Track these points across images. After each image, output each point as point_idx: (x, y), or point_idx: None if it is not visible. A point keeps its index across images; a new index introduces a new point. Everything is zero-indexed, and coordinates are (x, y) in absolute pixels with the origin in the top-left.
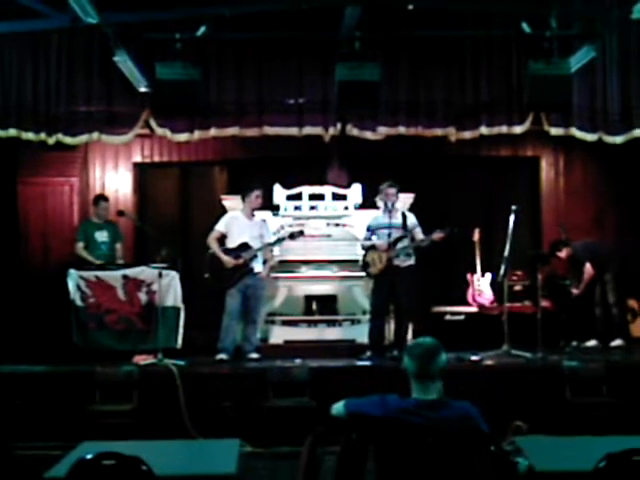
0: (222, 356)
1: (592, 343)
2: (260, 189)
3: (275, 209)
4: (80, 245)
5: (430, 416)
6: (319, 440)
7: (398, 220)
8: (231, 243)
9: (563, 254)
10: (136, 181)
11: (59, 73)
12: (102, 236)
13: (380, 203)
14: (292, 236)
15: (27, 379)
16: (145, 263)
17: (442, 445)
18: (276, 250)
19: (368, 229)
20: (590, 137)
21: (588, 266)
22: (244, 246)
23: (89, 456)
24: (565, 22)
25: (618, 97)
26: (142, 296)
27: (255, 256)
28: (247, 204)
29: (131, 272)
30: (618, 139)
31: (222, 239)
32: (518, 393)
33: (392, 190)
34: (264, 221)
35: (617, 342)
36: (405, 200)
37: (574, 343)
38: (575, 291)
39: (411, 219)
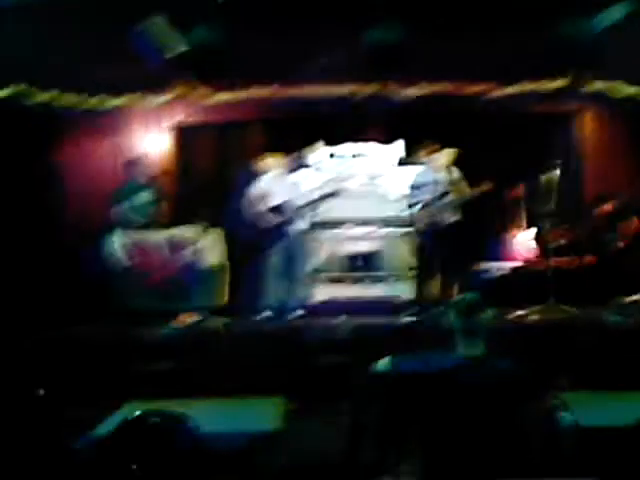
0: (266, 314)
1: (637, 297)
2: (300, 148)
3: (317, 167)
4: (123, 206)
5: (475, 372)
6: (363, 399)
7: (442, 175)
8: (273, 202)
9: (606, 208)
10: (176, 143)
11: (93, 36)
12: (144, 197)
13: (423, 159)
14: (334, 194)
15: (72, 342)
16: (188, 222)
17: (488, 401)
18: (319, 208)
19: (412, 185)
20: (629, 91)
21: (632, 219)
22: (286, 204)
23: (134, 414)
24: None
25: None
26: (186, 255)
27: (296, 214)
28: (286, 163)
29: (175, 231)
30: None
31: (264, 198)
32: (563, 348)
33: (435, 146)
34: (306, 179)
35: None
36: (448, 155)
37: (619, 297)
38: (619, 245)
39: (455, 174)
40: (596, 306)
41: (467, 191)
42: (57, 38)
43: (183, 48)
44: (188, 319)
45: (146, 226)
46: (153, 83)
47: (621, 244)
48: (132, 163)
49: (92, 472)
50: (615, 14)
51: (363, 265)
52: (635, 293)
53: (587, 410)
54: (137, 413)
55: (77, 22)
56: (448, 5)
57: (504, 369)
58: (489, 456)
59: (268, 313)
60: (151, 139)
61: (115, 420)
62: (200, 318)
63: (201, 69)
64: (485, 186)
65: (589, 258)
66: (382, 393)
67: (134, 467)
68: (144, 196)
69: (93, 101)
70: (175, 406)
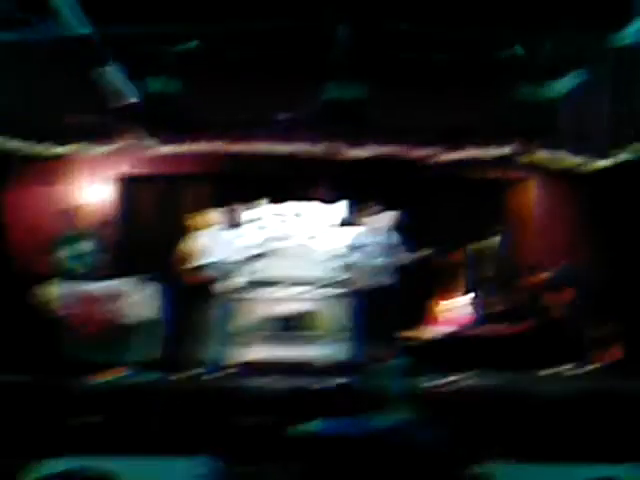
0: (198, 372)
1: (568, 367)
2: (238, 205)
3: (258, 224)
4: (62, 256)
5: (404, 438)
6: (292, 461)
7: (380, 239)
8: (208, 259)
9: (541, 278)
10: (120, 193)
11: (45, 83)
12: (84, 247)
13: (364, 221)
14: (271, 253)
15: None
16: (126, 275)
17: (416, 467)
18: (254, 266)
19: (350, 247)
20: (576, 161)
21: (564, 289)
22: (221, 261)
23: (57, 471)
24: (555, 47)
25: (605, 122)
26: (122, 308)
27: (232, 272)
28: (226, 219)
29: (112, 284)
30: (604, 163)
31: (201, 254)
32: (491, 416)
33: (375, 208)
34: (246, 236)
35: (591, 366)
36: (388, 219)
37: (549, 367)
38: (551, 314)
39: (393, 238)
40: (528, 375)
41: (405, 255)
42: (6, 84)
43: (134, 98)
44: (120, 372)
45: (84, 276)
46: (100, 132)
47: (555, 314)
48: (74, 212)
49: None
50: (562, 86)
51: (296, 325)
52: (566, 363)
53: None
54: (60, 469)
55: (27, 69)
56: (396, 68)
57: (432, 435)
58: None
59: (200, 370)
60: (95, 189)
61: (36, 476)
62: (132, 372)
63: (150, 120)
64: (424, 252)
65: (523, 327)
66: (311, 455)
67: None
68: (84, 246)
69: (39, 148)
70: (101, 462)
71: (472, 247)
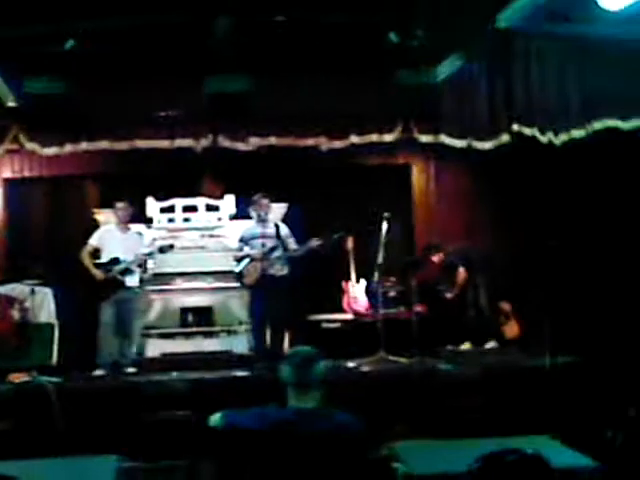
0: (98, 371)
1: (466, 346)
2: (124, 202)
3: (149, 222)
4: None
5: (309, 427)
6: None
7: (271, 230)
8: (104, 257)
9: (436, 259)
10: (6, 197)
11: None
12: None
13: (253, 214)
14: (162, 250)
15: None
16: (17, 280)
17: (323, 454)
18: (150, 263)
19: (241, 240)
20: (459, 144)
21: (461, 270)
22: (116, 260)
23: None
24: (432, 31)
25: (486, 104)
26: (15, 313)
27: (128, 269)
28: (116, 217)
29: (3, 289)
30: (487, 145)
31: (98, 253)
32: (395, 398)
33: (264, 201)
34: (140, 234)
35: (491, 344)
36: (278, 210)
37: (449, 347)
38: (448, 295)
39: (284, 229)
40: (427, 355)
41: (295, 247)
42: None
43: (12, 100)
44: (18, 378)
45: None
46: None
47: (450, 294)
48: None
49: None
50: (448, 68)
51: (195, 320)
52: (464, 342)
53: (420, 458)
54: None
55: None
56: (279, 59)
57: (338, 421)
58: None
59: (101, 370)
60: None
61: None
62: (30, 377)
63: (31, 122)
64: (313, 243)
65: (419, 308)
66: (216, 448)
67: None
68: None
69: None
70: (6, 468)
71: (364, 233)
